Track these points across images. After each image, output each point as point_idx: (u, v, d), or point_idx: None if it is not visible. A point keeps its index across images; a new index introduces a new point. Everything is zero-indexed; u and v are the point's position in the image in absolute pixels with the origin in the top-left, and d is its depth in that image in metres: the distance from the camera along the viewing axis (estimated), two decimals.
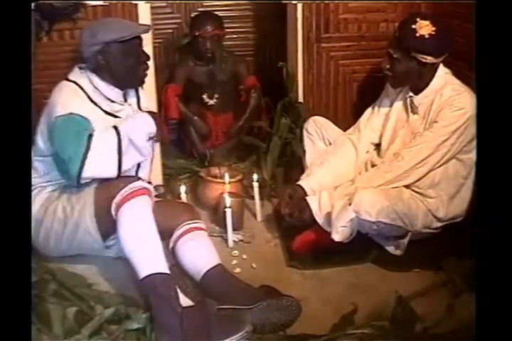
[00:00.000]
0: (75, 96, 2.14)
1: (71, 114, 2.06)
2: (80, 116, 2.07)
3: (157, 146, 2.55)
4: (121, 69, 2.19)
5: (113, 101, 2.21)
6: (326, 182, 2.40)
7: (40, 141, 2.16)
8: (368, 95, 2.85)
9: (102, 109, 2.17)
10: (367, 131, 2.48)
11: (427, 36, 2.17)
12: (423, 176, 2.29)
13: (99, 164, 2.05)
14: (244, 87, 3.30)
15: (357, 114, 2.68)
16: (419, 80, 2.29)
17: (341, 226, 2.18)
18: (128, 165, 2.11)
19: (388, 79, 2.36)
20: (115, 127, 2.09)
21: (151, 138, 2.19)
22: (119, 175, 2.08)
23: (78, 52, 2.27)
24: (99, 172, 2.07)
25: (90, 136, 2.04)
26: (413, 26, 2.18)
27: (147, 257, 1.90)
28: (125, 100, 2.27)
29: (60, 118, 2.06)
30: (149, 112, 2.26)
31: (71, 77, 2.20)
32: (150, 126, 2.17)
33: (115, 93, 2.22)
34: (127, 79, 2.23)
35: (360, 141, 2.48)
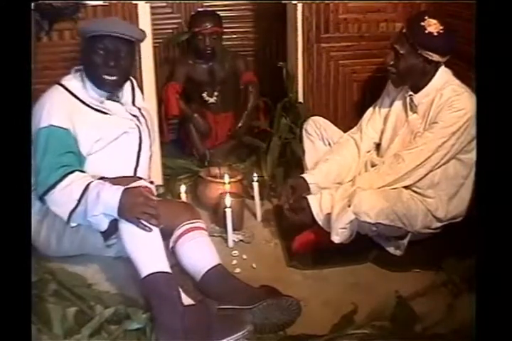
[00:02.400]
0: (59, 102, 2.13)
1: (51, 126, 2.06)
2: (60, 127, 2.06)
3: (157, 146, 2.55)
4: (88, 65, 2.16)
5: (106, 98, 2.21)
6: (330, 177, 2.39)
7: None
8: (368, 95, 2.86)
9: (90, 106, 2.17)
10: (369, 130, 2.48)
11: (435, 34, 2.18)
12: (423, 177, 2.29)
13: (58, 203, 2.01)
14: (241, 83, 3.29)
15: (357, 114, 2.68)
16: (420, 78, 2.29)
17: (341, 228, 2.17)
18: (79, 215, 1.99)
19: (390, 76, 2.35)
20: (90, 182, 1.98)
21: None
22: (68, 219, 2.01)
23: (79, 52, 2.27)
24: (54, 208, 2.03)
25: (69, 173, 2.00)
26: (422, 23, 2.19)
27: (149, 256, 1.90)
28: (114, 99, 2.24)
29: (42, 130, 2.06)
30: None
31: (63, 79, 2.21)
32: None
33: (98, 91, 2.20)
34: (95, 78, 2.17)
35: (362, 140, 2.48)
